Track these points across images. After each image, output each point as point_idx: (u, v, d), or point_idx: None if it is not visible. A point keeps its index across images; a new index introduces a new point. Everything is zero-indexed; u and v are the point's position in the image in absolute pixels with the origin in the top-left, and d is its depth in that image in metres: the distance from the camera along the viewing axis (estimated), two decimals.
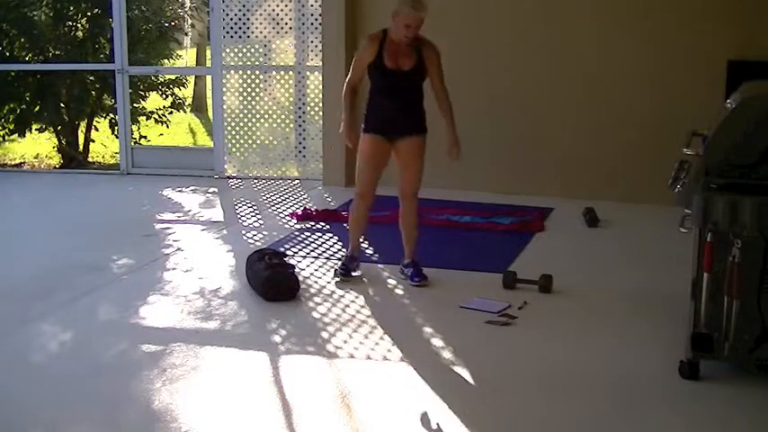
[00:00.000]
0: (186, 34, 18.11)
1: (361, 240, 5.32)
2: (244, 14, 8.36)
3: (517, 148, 7.60)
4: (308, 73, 8.41)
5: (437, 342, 4.19)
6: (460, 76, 7.70)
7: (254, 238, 6.21)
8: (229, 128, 8.55)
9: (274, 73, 8.55)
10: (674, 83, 7.12)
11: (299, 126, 8.48)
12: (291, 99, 8.53)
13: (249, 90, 8.53)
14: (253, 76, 8.53)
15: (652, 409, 3.48)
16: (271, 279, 4.79)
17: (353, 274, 5.17)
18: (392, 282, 5.17)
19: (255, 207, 7.26)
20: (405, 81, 4.92)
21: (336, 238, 6.12)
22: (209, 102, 12.55)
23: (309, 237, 6.17)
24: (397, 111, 4.98)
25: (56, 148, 12.28)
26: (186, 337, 4.25)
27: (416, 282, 5.01)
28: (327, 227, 6.45)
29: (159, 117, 12.48)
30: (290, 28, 8.36)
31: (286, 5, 8.31)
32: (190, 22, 15.29)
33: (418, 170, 5.04)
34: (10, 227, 6.74)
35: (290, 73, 8.49)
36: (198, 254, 5.80)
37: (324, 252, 5.80)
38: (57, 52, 11.31)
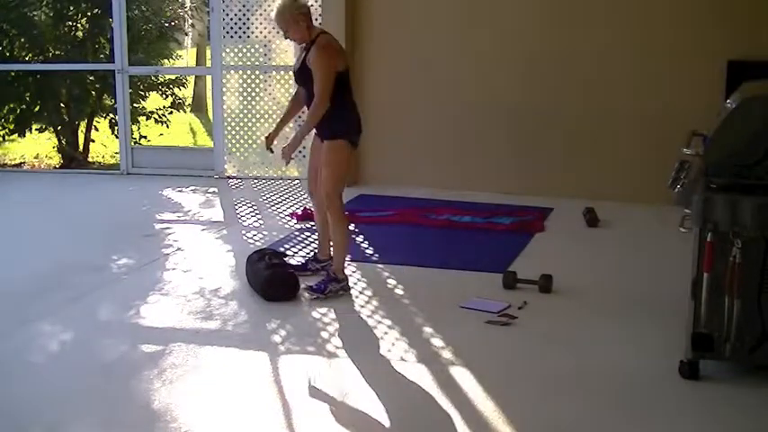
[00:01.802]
0: (186, 34, 18.11)
1: (329, 245, 5.13)
2: (244, 14, 8.36)
3: (517, 148, 7.60)
4: None
5: (437, 342, 4.19)
6: (462, 76, 7.75)
7: (254, 238, 6.21)
8: (229, 128, 8.55)
9: (274, 73, 8.55)
10: (674, 83, 7.12)
11: (299, 126, 8.47)
12: None
13: (249, 90, 8.53)
14: (253, 76, 8.53)
15: (652, 408, 3.48)
16: (271, 279, 4.78)
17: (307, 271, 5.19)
18: (392, 282, 5.17)
19: (255, 207, 7.26)
20: (296, 81, 4.98)
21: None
22: (210, 102, 12.55)
23: (309, 237, 6.17)
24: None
25: (56, 148, 12.28)
26: (186, 337, 4.25)
27: (311, 292, 4.82)
28: None
29: (159, 117, 12.48)
30: None
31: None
32: (190, 22, 15.28)
33: (325, 176, 4.81)
34: (10, 227, 6.74)
35: (290, 73, 8.48)
36: (198, 254, 5.80)
37: None
38: (57, 52, 11.31)
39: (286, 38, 4.99)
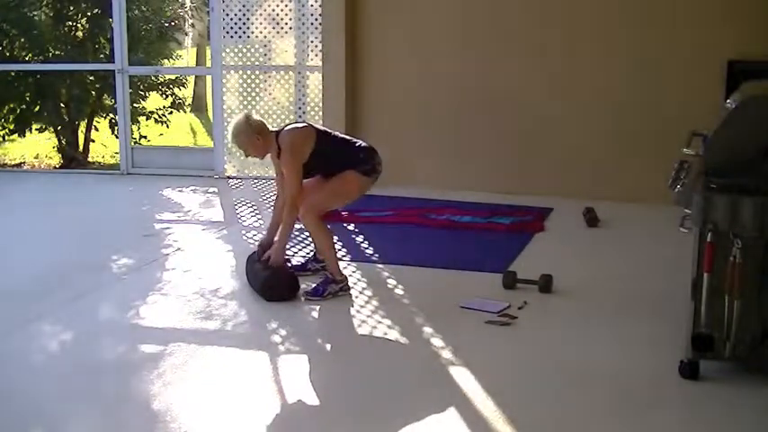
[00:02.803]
0: (186, 34, 18.14)
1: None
2: (244, 14, 8.37)
3: (517, 148, 7.60)
4: (308, 73, 8.41)
5: (437, 342, 4.18)
6: (461, 75, 7.75)
7: (254, 238, 6.20)
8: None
9: (274, 73, 8.55)
10: (673, 83, 7.13)
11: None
12: (291, 99, 8.53)
13: (249, 90, 8.53)
14: (253, 76, 8.53)
15: (652, 409, 3.48)
16: (271, 279, 4.78)
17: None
18: (392, 282, 5.17)
19: (255, 207, 7.26)
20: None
21: (335, 238, 6.09)
22: (210, 102, 12.56)
23: (309, 237, 6.16)
24: None
25: (56, 148, 12.29)
26: (186, 337, 4.25)
27: (306, 294, 4.81)
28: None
29: (159, 117, 12.49)
30: (290, 28, 8.36)
31: (286, 5, 8.31)
32: (190, 22, 15.30)
33: (324, 191, 4.88)
34: (10, 227, 6.74)
35: (290, 73, 8.50)
36: (198, 254, 5.80)
37: None
38: (57, 52, 11.32)
39: (246, 156, 5.06)
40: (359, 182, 4.90)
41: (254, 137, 4.83)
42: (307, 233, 5.34)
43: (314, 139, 4.83)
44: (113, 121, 11.18)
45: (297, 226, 4.95)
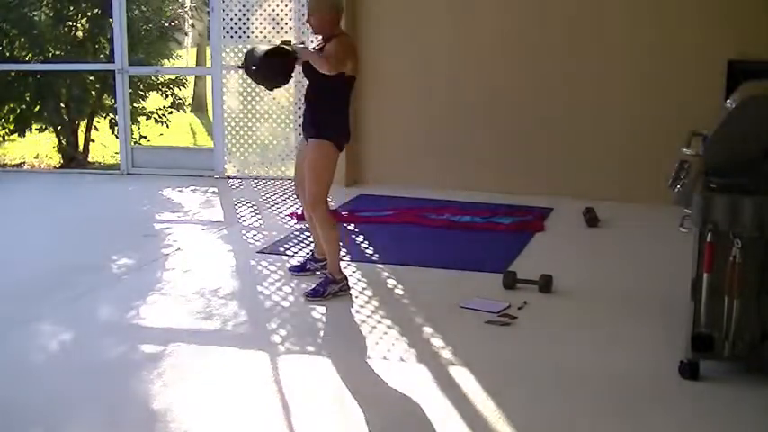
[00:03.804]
0: (186, 34, 18.12)
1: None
2: (244, 14, 8.36)
3: (517, 148, 7.60)
4: None
5: (437, 342, 4.19)
6: (461, 75, 7.75)
7: (254, 238, 6.21)
8: (229, 128, 8.55)
9: None
10: (674, 83, 7.12)
11: (299, 126, 8.47)
12: (291, 99, 8.53)
13: (249, 90, 8.52)
14: None
15: (652, 408, 3.48)
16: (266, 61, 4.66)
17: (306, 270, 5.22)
18: (392, 282, 5.17)
19: (255, 207, 7.25)
20: (307, 72, 4.81)
21: None
22: (210, 102, 12.56)
23: (309, 237, 6.16)
24: (305, 108, 4.88)
25: (56, 148, 12.29)
26: (186, 337, 4.25)
27: (306, 295, 4.81)
28: None
29: (159, 117, 12.49)
30: (290, 28, 8.35)
31: (286, 5, 8.31)
32: (190, 22, 15.29)
33: (309, 180, 4.77)
34: (10, 227, 6.74)
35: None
36: (198, 254, 5.80)
37: None
38: (57, 52, 11.31)
39: (307, 21, 4.85)
40: (335, 157, 4.77)
41: (331, 11, 4.70)
42: (310, 233, 5.32)
43: (356, 69, 4.72)
44: (113, 121, 11.16)
45: (299, 226, 4.94)
